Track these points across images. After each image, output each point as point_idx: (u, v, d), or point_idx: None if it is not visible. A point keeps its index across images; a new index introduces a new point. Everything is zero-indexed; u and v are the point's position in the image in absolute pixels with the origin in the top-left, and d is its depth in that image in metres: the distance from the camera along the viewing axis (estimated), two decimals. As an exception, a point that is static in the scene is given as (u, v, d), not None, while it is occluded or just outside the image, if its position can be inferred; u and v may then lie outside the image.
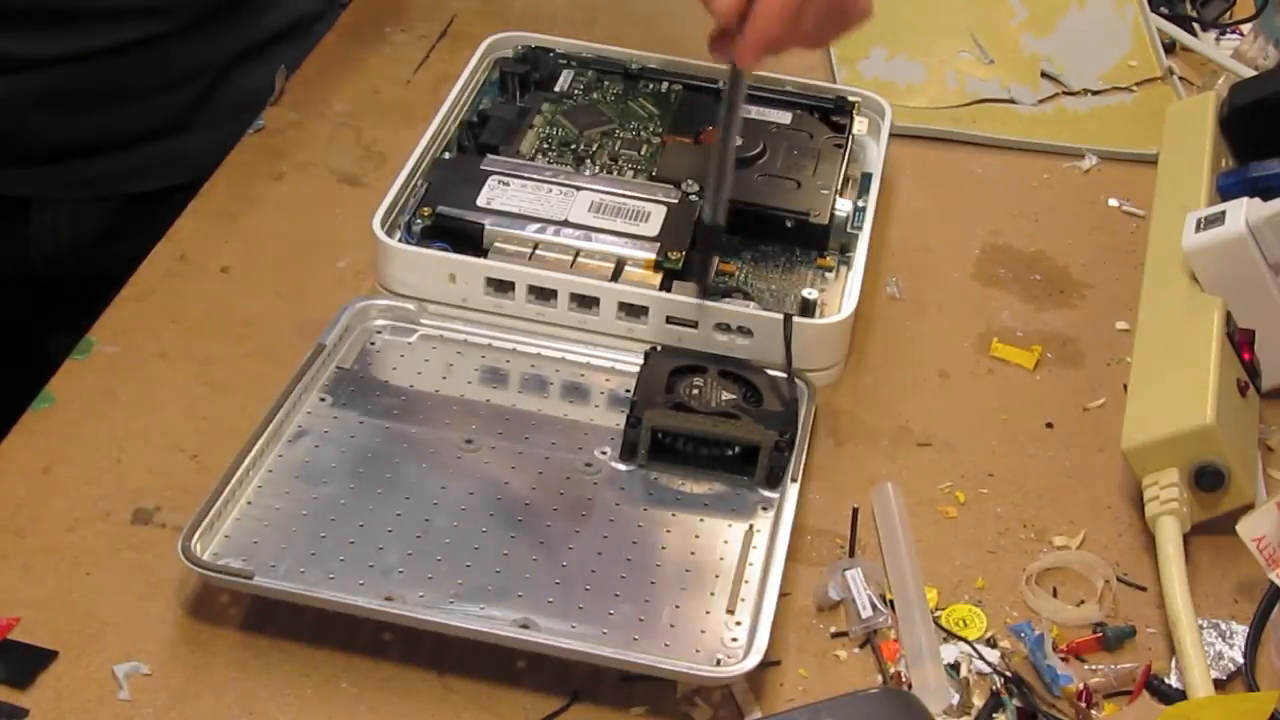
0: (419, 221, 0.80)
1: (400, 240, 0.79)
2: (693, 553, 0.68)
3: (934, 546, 0.70)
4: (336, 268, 0.83)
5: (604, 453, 0.72)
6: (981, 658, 0.65)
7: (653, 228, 0.79)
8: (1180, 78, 1.03)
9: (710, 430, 0.71)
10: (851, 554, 0.70)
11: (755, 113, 0.90)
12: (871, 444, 0.76)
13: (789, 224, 0.82)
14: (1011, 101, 1.00)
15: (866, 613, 0.66)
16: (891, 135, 0.91)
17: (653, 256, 0.78)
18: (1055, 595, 0.69)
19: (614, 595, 0.65)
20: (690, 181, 0.82)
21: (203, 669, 0.63)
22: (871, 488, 0.72)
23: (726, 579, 0.66)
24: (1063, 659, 0.65)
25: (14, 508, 0.69)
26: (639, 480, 0.71)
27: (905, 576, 0.68)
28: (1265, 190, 0.80)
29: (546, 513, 0.69)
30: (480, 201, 0.80)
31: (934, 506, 0.73)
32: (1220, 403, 0.70)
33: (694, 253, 0.78)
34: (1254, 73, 1.01)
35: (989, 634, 0.67)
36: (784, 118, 0.90)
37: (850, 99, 0.91)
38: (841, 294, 0.80)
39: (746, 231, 0.83)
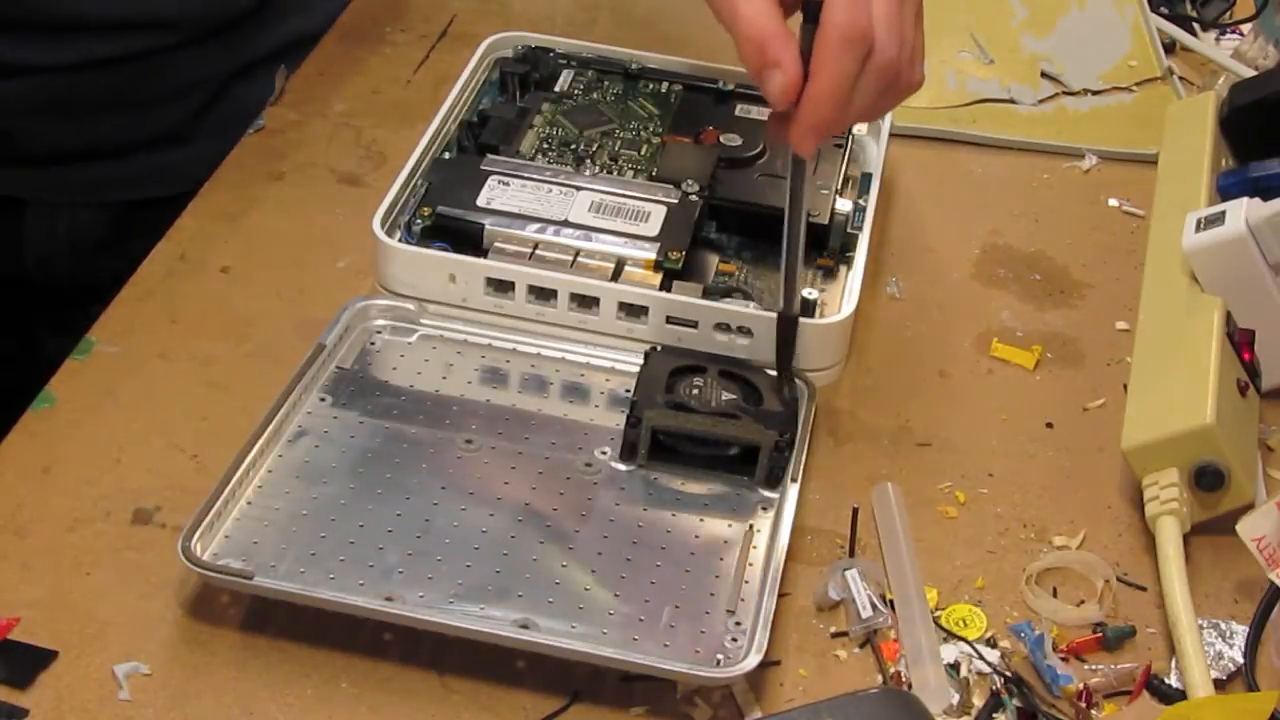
0: (419, 221, 0.80)
1: (400, 240, 0.79)
2: (693, 553, 0.68)
3: (934, 546, 0.70)
4: (336, 268, 0.83)
5: (604, 453, 0.72)
6: (981, 658, 0.65)
7: (653, 228, 0.79)
8: (1180, 78, 1.03)
9: (710, 430, 0.71)
10: (851, 554, 0.70)
11: (755, 112, 0.90)
12: (871, 444, 0.76)
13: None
14: (1011, 101, 1.00)
15: (866, 613, 0.66)
16: (891, 135, 0.91)
17: (653, 256, 0.78)
18: (1055, 595, 0.69)
19: (614, 595, 0.65)
20: (690, 181, 0.82)
21: (203, 669, 0.63)
22: (871, 488, 0.72)
23: (726, 579, 0.66)
24: (1063, 659, 0.65)
25: (14, 508, 0.69)
26: (639, 480, 0.71)
27: (905, 576, 0.68)
28: (1265, 190, 0.80)
29: (546, 513, 0.69)
30: (480, 201, 0.80)
31: (934, 506, 0.73)
32: (1220, 403, 0.70)
33: (774, 344, 0.74)
34: (1254, 73, 1.01)
35: (989, 634, 0.67)
36: (784, 118, 0.90)
37: (850, 99, 0.91)
38: (841, 294, 0.80)
39: (746, 231, 0.83)
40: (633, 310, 0.77)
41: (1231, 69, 1.03)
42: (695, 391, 0.73)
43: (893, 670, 0.65)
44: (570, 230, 0.79)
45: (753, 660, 0.61)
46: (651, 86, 0.92)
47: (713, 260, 0.81)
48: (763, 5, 0.67)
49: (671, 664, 0.62)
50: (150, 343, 0.77)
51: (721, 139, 0.87)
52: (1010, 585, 0.69)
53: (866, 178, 0.87)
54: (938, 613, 0.67)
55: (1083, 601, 0.68)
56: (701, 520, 0.69)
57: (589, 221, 0.79)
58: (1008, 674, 0.65)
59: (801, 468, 0.71)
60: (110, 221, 0.98)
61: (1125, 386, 0.77)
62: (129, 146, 0.96)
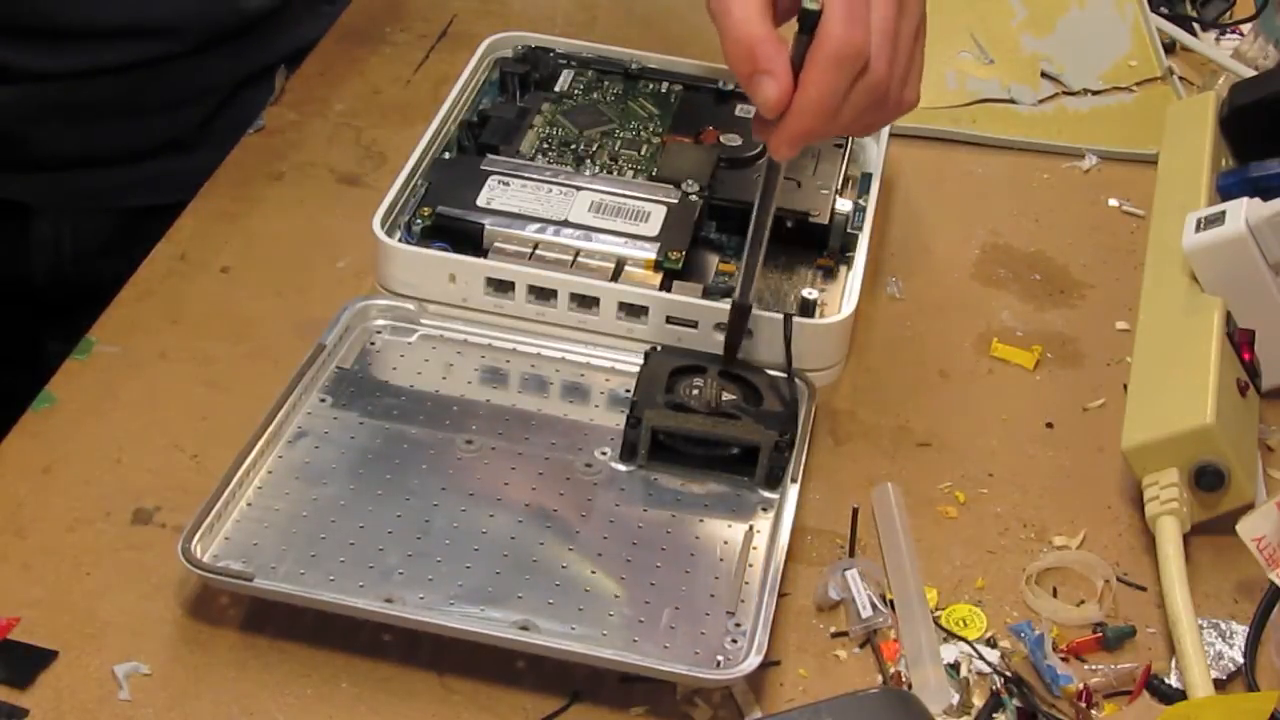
0: (419, 221, 0.80)
1: (400, 240, 0.79)
2: (692, 554, 0.68)
3: (934, 546, 0.70)
4: (336, 268, 0.83)
5: (604, 453, 0.72)
6: (981, 658, 0.65)
7: (653, 228, 0.79)
8: (1180, 78, 1.03)
9: (710, 431, 0.71)
10: (851, 554, 0.70)
11: (755, 113, 0.90)
12: (871, 444, 0.76)
13: (789, 224, 0.82)
14: (1011, 101, 1.00)
15: (866, 613, 0.66)
16: (891, 135, 0.91)
17: (653, 256, 0.78)
18: (1055, 595, 0.69)
19: (614, 596, 0.65)
20: (690, 181, 0.82)
21: (203, 669, 0.63)
22: (871, 488, 0.72)
23: (726, 580, 0.66)
24: (1063, 659, 0.65)
25: (14, 508, 0.69)
26: (639, 481, 0.71)
27: (905, 576, 0.68)
28: (1265, 190, 0.80)
29: (546, 513, 0.69)
30: (480, 201, 0.80)
31: (934, 506, 0.73)
32: (1220, 403, 0.70)
33: (722, 330, 0.76)
34: (1254, 73, 1.01)
35: (989, 634, 0.67)
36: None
37: (850, 99, 0.91)
38: (841, 294, 0.80)
39: (746, 231, 0.83)
40: (633, 310, 0.77)
41: (1231, 69, 1.03)
42: (695, 392, 0.73)
43: (893, 670, 0.65)
44: (570, 230, 0.79)
45: (753, 661, 0.61)
46: (651, 86, 0.92)
47: (713, 260, 0.81)
48: (755, 10, 0.67)
49: (671, 665, 0.62)
50: (150, 343, 0.77)
51: (721, 139, 0.87)
52: (1010, 585, 0.69)
53: (866, 178, 0.87)
54: (938, 613, 0.67)
55: (1083, 601, 0.68)
56: (701, 521, 0.69)
57: (589, 221, 0.79)
58: (1008, 674, 0.65)
59: (801, 468, 0.71)
60: (115, 228, 0.98)
61: (1125, 386, 0.77)
62: (135, 153, 0.96)
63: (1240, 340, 0.75)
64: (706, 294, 0.77)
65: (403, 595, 0.64)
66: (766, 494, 0.71)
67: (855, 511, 0.71)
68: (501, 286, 0.78)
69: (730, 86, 0.91)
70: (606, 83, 0.92)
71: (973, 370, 0.81)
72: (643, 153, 0.86)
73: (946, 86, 1.00)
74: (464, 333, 0.78)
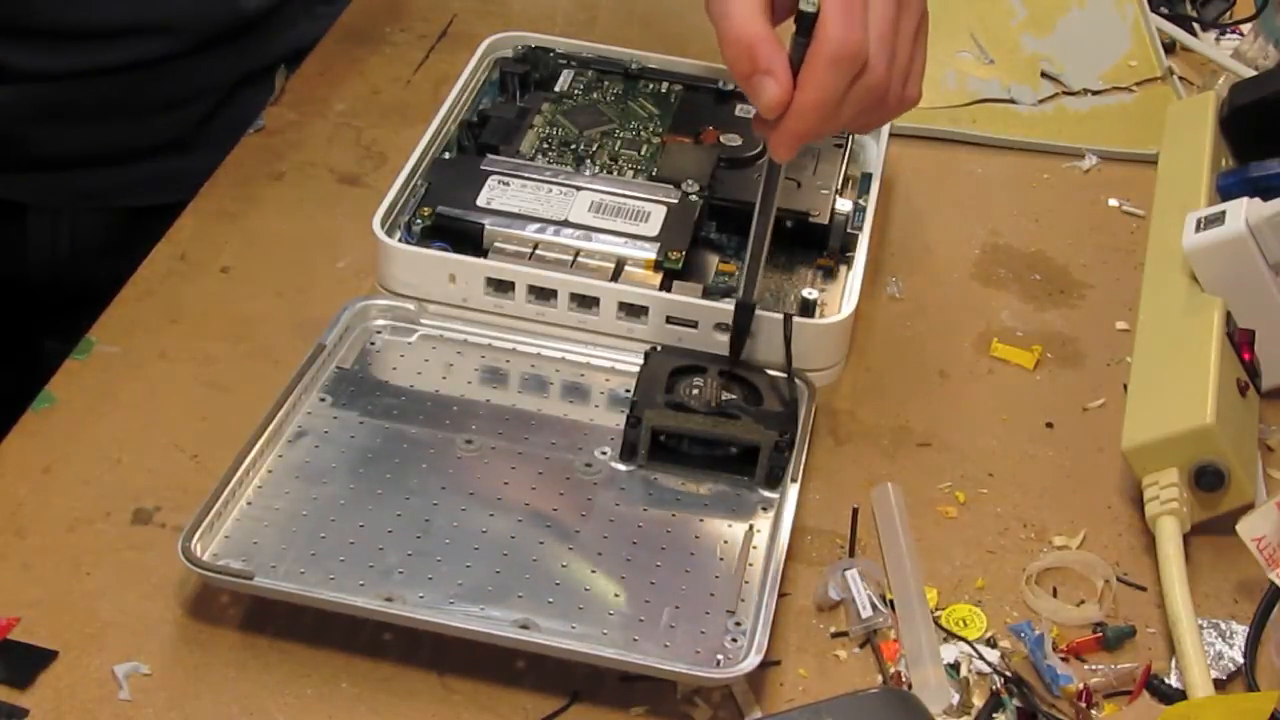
0: (419, 221, 0.80)
1: (400, 240, 0.79)
2: (692, 553, 0.68)
3: (934, 546, 0.70)
4: (336, 268, 0.83)
5: (604, 453, 0.72)
6: (981, 658, 0.65)
7: (653, 228, 0.79)
8: (1180, 78, 1.03)
9: (710, 430, 0.71)
10: (851, 554, 0.70)
11: (755, 113, 0.89)
12: (871, 444, 0.76)
13: (789, 224, 0.82)
14: (1011, 101, 1.00)
15: (866, 613, 0.66)
16: (891, 135, 0.91)
17: (653, 256, 0.78)
18: (1055, 595, 0.69)
19: (614, 596, 0.65)
20: (690, 181, 0.82)
21: (203, 669, 0.63)
22: (871, 488, 0.72)
23: (726, 579, 0.66)
24: (1063, 659, 0.65)
25: (14, 508, 0.69)
26: (639, 480, 0.71)
27: (905, 576, 0.68)
28: (1265, 190, 0.80)
29: (546, 513, 0.69)
30: (480, 201, 0.80)
31: (934, 506, 0.73)
32: (1220, 403, 0.70)
33: (726, 331, 0.76)
34: (1254, 73, 1.01)
35: (989, 634, 0.67)
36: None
37: (850, 99, 0.91)
38: (841, 294, 0.80)
39: (746, 231, 0.83)
40: (633, 310, 0.77)
41: (1231, 69, 1.03)
42: (695, 391, 0.73)
43: (893, 670, 0.65)
44: (570, 230, 0.79)
45: (753, 661, 0.61)
46: (651, 86, 0.92)
47: (713, 260, 0.81)
48: (753, 10, 0.67)
49: (671, 664, 0.62)
50: (150, 343, 0.77)
51: (721, 139, 0.87)
52: (1010, 585, 0.69)
53: (866, 178, 0.87)
54: (938, 613, 0.67)
55: (1083, 601, 0.68)
56: (701, 520, 0.69)
57: (589, 221, 0.79)
58: (1008, 674, 0.65)
59: (801, 468, 0.71)
60: (113, 228, 0.98)
61: (1125, 386, 0.77)
62: (132, 153, 0.96)
63: (1240, 340, 0.75)
64: (706, 294, 0.77)
65: (403, 594, 0.64)
66: (766, 494, 0.71)
67: (855, 511, 0.71)
68: (501, 286, 0.78)
69: (730, 86, 0.91)
70: (606, 83, 0.92)
71: (973, 370, 0.81)
72: (643, 153, 0.86)
73: (946, 86, 1.00)
74: (464, 333, 0.78)
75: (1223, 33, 1.09)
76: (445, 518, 0.68)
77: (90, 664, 0.63)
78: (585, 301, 0.77)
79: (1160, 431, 0.71)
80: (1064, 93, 1.01)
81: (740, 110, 0.90)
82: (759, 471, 0.71)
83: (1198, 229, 0.78)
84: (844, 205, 0.84)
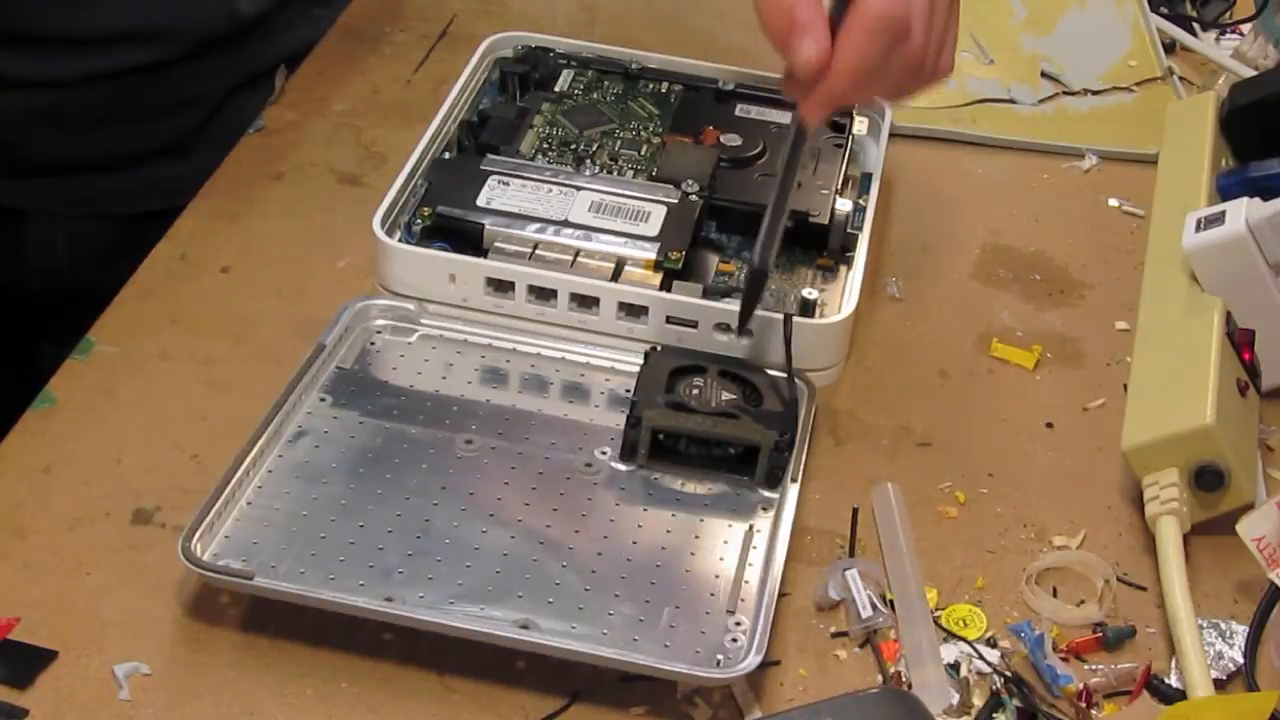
0: (419, 221, 0.80)
1: (400, 240, 0.79)
2: (693, 553, 0.68)
3: (934, 546, 0.70)
4: (336, 268, 0.83)
5: (604, 453, 0.72)
6: (981, 658, 0.65)
7: (653, 228, 0.79)
8: (1180, 78, 1.03)
9: (710, 430, 0.71)
10: (851, 554, 0.70)
11: (755, 112, 0.90)
12: (871, 444, 0.76)
13: (789, 224, 0.82)
14: (1011, 101, 1.00)
15: (866, 613, 0.66)
16: (891, 135, 0.91)
17: (653, 256, 0.78)
18: (1055, 595, 0.69)
19: (614, 596, 0.65)
20: (690, 181, 0.82)
21: (203, 669, 0.63)
22: (871, 488, 0.72)
23: (726, 579, 0.66)
24: (1063, 659, 0.65)
25: (14, 508, 0.69)
26: (639, 480, 0.71)
27: (905, 576, 0.68)
28: (1265, 190, 0.80)
29: (546, 513, 0.69)
30: (480, 201, 0.80)
31: (934, 506, 0.73)
32: (1220, 403, 0.70)
33: (737, 298, 0.76)
34: (1254, 73, 1.01)
35: (989, 634, 0.67)
36: (784, 118, 0.89)
37: (850, 99, 0.91)
38: (841, 294, 0.80)
39: (746, 231, 0.83)
40: (633, 310, 0.77)
41: (1231, 69, 1.03)
42: (695, 391, 0.73)
43: (893, 670, 0.65)
44: (570, 230, 0.79)
45: (753, 661, 0.61)
46: (651, 86, 0.92)
47: (713, 260, 0.81)
48: None
49: (672, 664, 0.62)
50: (150, 343, 0.77)
51: (721, 139, 0.87)
52: (1010, 585, 0.69)
53: (866, 178, 0.87)
54: (938, 613, 0.67)
55: (1083, 601, 0.68)
56: (701, 520, 0.69)
57: (589, 221, 0.79)
58: (1008, 674, 0.65)
59: (801, 468, 0.71)
60: (110, 233, 0.98)
61: (1125, 386, 0.77)
62: (129, 159, 0.96)
63: (1240, 340, 0.75)
64: (706, 294, 0.77)
65: (403, 594, 0.64)
66: (766, 494, 0.71)
67: (855, 511, 0.71)
68: (501, 286, 0.78)
69: (730, 86, 0.91)
70: (606, 83, 0.92)
71: (973, 370, 0.81)
72: (643, 153, 0.86)
73: (946, 86, 1.00)
74: (464, 333, 0.78)
75: (1223, 33, 1.09)
76: (445, 518, 0.68)
77: (90, 664, 0.63)
78: (585, 301, 0.77)
79: (1160, 431, 0.71)
80: (1064, 93, 1.01)
81: (740, 110, 0.90)
82: (759, 471, 0.71)
83: (1198, 229, 0.78)
84: (844, 205, 0.84)
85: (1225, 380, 0.72)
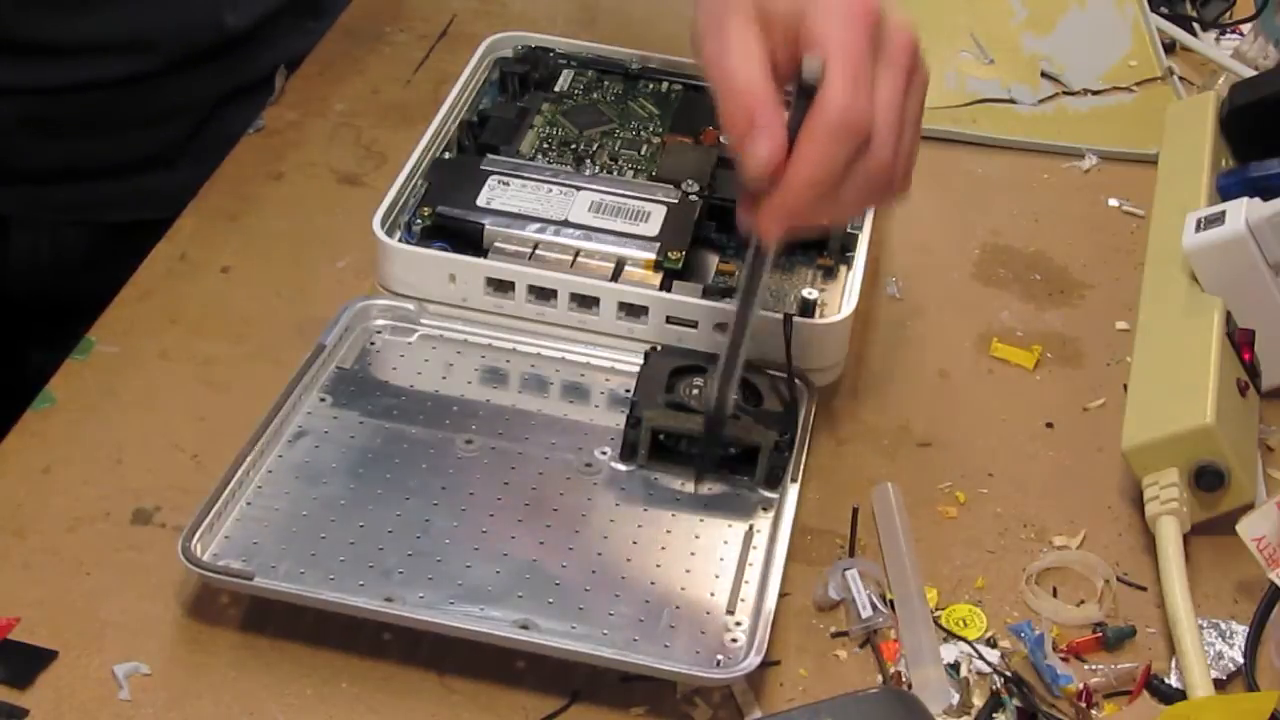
0: (419, 221, 0.80)
1: (400, 240, 0.79)
2: (693, 553, 0.68)
3: (934, 546, 0.70)
4: (336, 268, 0.83)
5: (604, 453, 0.72)
6: (981, 658, 0.65)
7: (653, 228, 0.79)
8: (1180, 78, 1.03)
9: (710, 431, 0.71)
10: (851, 554, 0.70)
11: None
12: (871, 444, 0.76)
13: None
14: (1011, 101, 1.00)
15: (866, 613, 0.66)
16: (891, 135, 0.91)
17: (653, 256, 0.78)
18: (1055, 595, 0.69)
19: (614, 596, 0.65)
20: (690, 181, 0.82)
21: (203, 669, 0.63)
22: (871, 488, 0.72)
23: (726, 579, 0.66)
24: (1063, 659, 0.65)
25: (14, 508, 0.69)
26: (639, 481, 0.71)
27: (905, 576, 0.68)
28: (1265, 190, 0.80)
29: (546, 513, 0.69)
30: (480, 201, 0.80)
31: (934, 506, 0.73)
32: (1220, 403, 0.70)
33: (693, 444, 0.70)
34: (1254, 73, 1.01)
35: (989, 634, 0.67)
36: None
37: (850, 99, 0.91)
38: (841, 294, 0.80)
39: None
40: (633, 310, 0.77)
41: (1231, 69, 1.03)
42: (695, 392, 0.73)
43: (893, 670, 0.65)
44: (570, 230, 0.79)
45: (753, 661, 0.61)
46: (651, 86, 0.92)
47: (713, 260, 0.81)
48: (756, 64, 0.61)
49: (671, 665, 0.62)
50: (150, 343, 0.77)
51: (722, 139, 0.87)
52: (1010, 585, 0.69)
53: (866, 178, 0.87)
54: (938, 613, 0.67)
55: (1083, 601, 0.68)
56: (701, 520, 0.69)
57: (589, 221, 0.79)
58: (1008, 674, 0.65)
59: (801, 468, 0.71)
60: (94, 242, 0.97)
61: (1125, 386, 0.77)
62: (114, 168, 0.95)
63: (1240, 340, 0.75)
64: (706, 294, 0.77)
65: (403, 595, 0.64)
66: (766, 494, 0.71)
67: (855, 511, 0.71)
68: (501, 286, 0.78)
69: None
70: (606, 83, 0.92)
71: (973, 370, 0.81)
72: (643, 153, 0.86)
73: (946, 86, 1.00)
74: (464, 333, 0.78)
75: (1223, 33, 1.09)
76: (445, 518, 0.68)
77: (90, 664, 0.63)
78: (585, 301, 0.77)
79: (1160, 431, 0.71)
80: (1064, 93, 1.01)
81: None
82: (759, 472, 0.71)
83: (1198, 229, 0.78)
84: (844, 205, 0.84)
85: (1225, 380, 0.72)
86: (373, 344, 0.77)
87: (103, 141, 0.94)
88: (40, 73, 0.90)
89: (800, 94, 0.61)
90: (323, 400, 0.73)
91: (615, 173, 0.84)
